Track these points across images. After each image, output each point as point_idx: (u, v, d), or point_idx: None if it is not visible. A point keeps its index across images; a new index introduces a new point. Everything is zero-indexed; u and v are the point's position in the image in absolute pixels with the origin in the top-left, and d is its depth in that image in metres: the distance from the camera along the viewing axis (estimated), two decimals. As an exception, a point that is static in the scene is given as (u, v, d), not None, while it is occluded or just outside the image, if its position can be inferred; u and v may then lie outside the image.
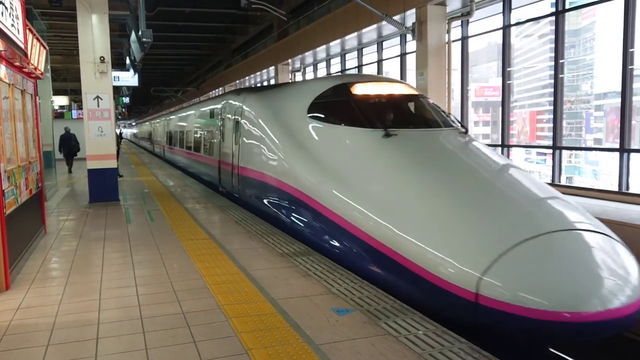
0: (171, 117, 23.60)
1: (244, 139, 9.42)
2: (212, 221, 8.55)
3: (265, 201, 8.30)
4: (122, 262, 6.08)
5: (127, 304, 4.64)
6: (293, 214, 7.15)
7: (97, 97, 10.56)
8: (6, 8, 5.23)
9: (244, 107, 9.67)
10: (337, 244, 6.00)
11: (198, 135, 15.28)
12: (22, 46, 6.09)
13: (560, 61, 10.39)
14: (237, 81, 28.97)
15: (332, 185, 6.18)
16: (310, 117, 7.38)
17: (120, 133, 29.98)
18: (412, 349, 3.56)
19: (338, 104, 7.35)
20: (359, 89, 7.33)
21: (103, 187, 10.78)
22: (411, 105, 7.67)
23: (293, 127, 7.58)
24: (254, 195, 8.99)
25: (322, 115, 7.30)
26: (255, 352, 3.56)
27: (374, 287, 4.96)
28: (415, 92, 7.84)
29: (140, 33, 12.43)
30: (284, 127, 7.81)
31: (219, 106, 11.97)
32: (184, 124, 18.44)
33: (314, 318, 4.18)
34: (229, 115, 10.75)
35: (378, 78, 9.00)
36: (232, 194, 10.52)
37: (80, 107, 28.74)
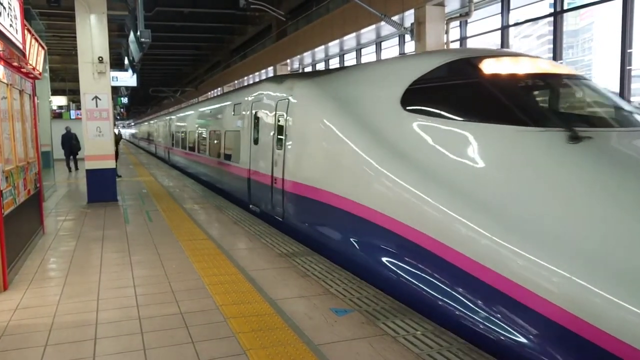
0: (178, 114, 20.90)
1: (294, 142, 7.18)
2: (210, 221, 8.55)
3: (337, 235, 5.96)
4: (120, 263, 6.08)
5: (126, 304, 4.64)
6: (399, 263, 4.72)
7: (96, 97, 10.56)
8: (4, 8, 5.22)
9: (291, 99, 7.35)
10: (503, 322, 3.62)
11: (215, 137, 12.89)
12: (21, 46, 6.08)
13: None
14: (236, 81, 28.99)
15: (485, 225, 3.78)
16: (408, 110, 5.07)
17: (119, 133, 29.86)
18: (410, 349, 3.57)
19: (461, 89, 5.05)
20: (491, 67, 4.95)
21: (101, 187, 10.77)
22: (578, 91, 5.24)
23: (379, 126, 5.30)
24: (314, 223, 6.60)
25: (431, 108, 4.96)
26: (254, 353, 3.56)
27: (372, 287, 4.96)
28: (571, 71, 5.43)
29: (138, 33, 12.42)
30: (362, 125, 5.54)
31: (249, 99, 9.64)
32: (196, 122, 16.08)
33: (312, 318, 4.18)
34: (266, 111, 8.50)
35: (505, 52, 5.89)
36: (272, 216, 8.05)
37: (79, 108, 28.74)
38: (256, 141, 8.96)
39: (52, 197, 12.03)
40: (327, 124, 6.18)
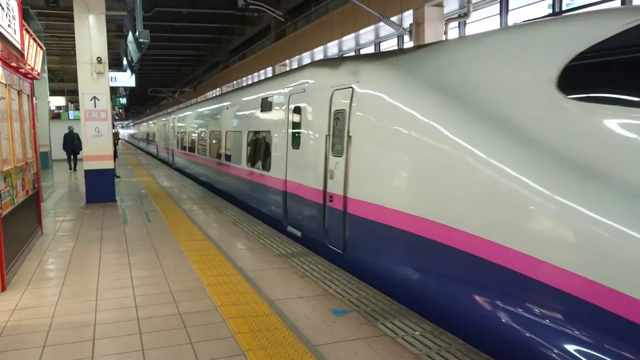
0: (186, 112, 18.53)
1: (365, 147, 5.32)
2: (209, 222, 8.54)
3: (455, 289, 4.04)
4: (119, 263, 6.07)
5: (124, 305, 4.63)
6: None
7: (94, 97, 10.57)
8: (2, 8, 5.22)
9: (356, 88, 5.52)
10: None
11: (232, 138, 10.98)
12: (19, 47, 6.07)
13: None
14: (235, 82, 29.00)
15: None
16: (575, 97, 3.41)
17: (117, 132, 29.72)
18: (409, 350, 3.57)
19: None
20: None
21: (100, 187, 10.77)
22: None
23: (521, 123, 3.62)
24: (407, 266, 4.63)
25: (633, 95, 3.19)
26: (253, 353, 3.56)
27: (371, 287, 4.96)
28: None
29: (137, 33, 12.41)
30: (491, 123, 3.81)
31: (285, 90, 7.76)
32: (207, 121, 14.06)
33: (311, 319, 4.18)
34: (313, 105, 6.68)
35: None
36: (323, 244, 6.20)
37: (77, 108, 28.69)
38: (296, 144, 7.11)
39: (50, 198, 12.02)
40: (426, 122, 4.37)
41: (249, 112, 9.83)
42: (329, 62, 6.73)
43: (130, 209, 10.12)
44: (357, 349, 3.61)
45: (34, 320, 4.31)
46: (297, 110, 7.19)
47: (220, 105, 12.71)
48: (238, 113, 10.77)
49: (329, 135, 6.11)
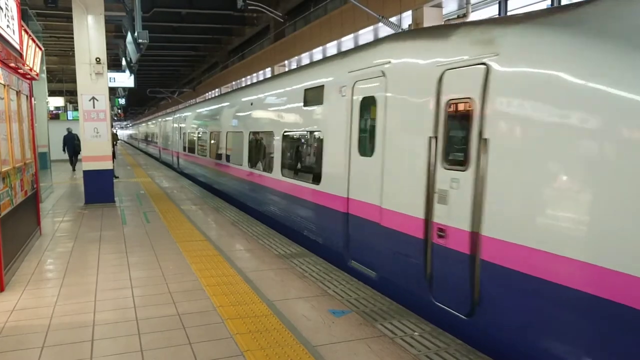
0: (197, 110, 16.20)
1: (519, 158, 3.38)
2: (208, 222, 8.54)
3: None
4: (117, 264, 6.07)
5: (123, 305, 4.63)
6: None
7: (93, 98, 10.56)
8: (1, 9, 5.22)
9: (496, 65, 3.64)
10: None
11: (264, 139, 8.90)
12: (18, 47, 6.07)
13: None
14: (233, 82, 29.00)
15: None
16: None
17: (116, 133, 29.55)
18: (408, 350, 3.57)
19: None
20: None
21: (99, 188, 10.76)
22: None
23: None
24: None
25: None
26: (251, 354, 3.56)
27: (369, 288, 4.96)
28: None
29: (136, 34, 12.40)
30: None
31: (347, 75, 5.78)
32: (227, 119, 11.62)
33: (310, 319, 4.18)
34: (399, 94, 4.77)
35: None
36: (424, 299, 4.33)
37: (76, 109, 28.67)
38: (367, 150, 5.32)
39: (49, 198, 12.00)
40: None
41: (284, 107, 7.84)
42: (427, 32, 4.74)
43: (129, 209, 10.12)
44: (356, 349, 3.62)
45: (33, 321, 4.31)
46: (369, 102, 5.29)
47: (242, 100, 10.44)
48: (267, 110, 8.72)
49: (436, 137, 4.20)
